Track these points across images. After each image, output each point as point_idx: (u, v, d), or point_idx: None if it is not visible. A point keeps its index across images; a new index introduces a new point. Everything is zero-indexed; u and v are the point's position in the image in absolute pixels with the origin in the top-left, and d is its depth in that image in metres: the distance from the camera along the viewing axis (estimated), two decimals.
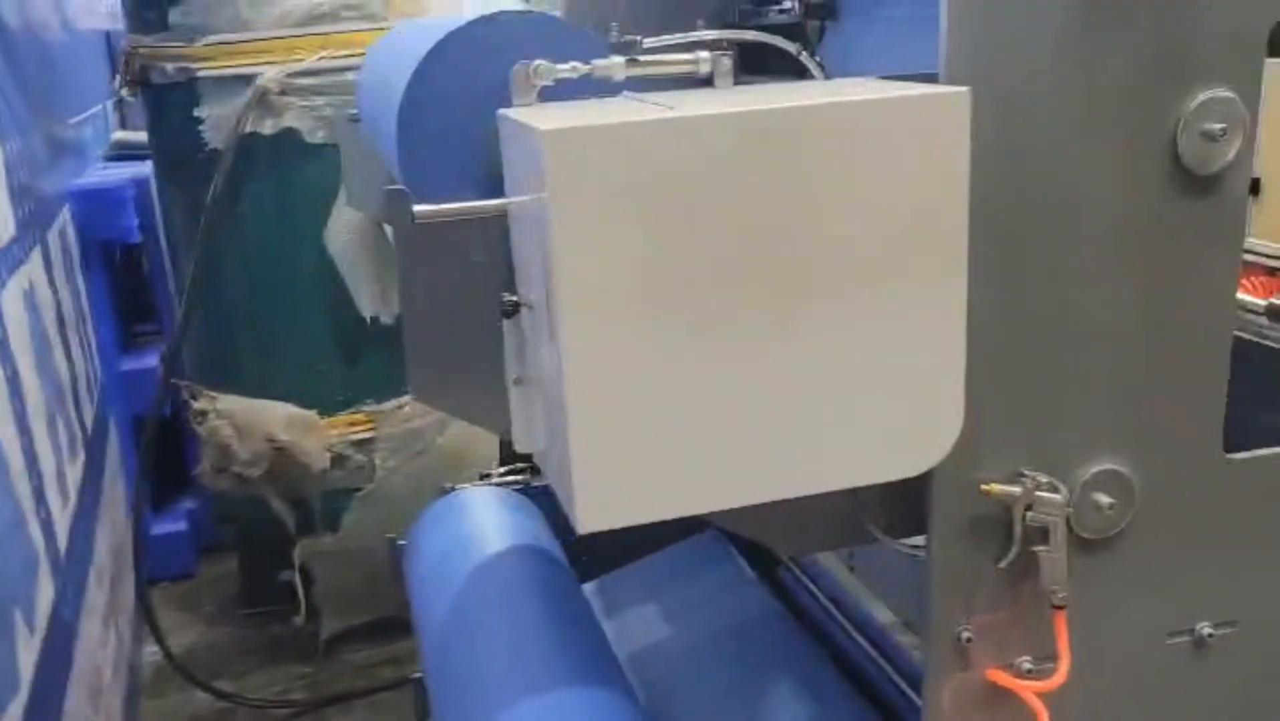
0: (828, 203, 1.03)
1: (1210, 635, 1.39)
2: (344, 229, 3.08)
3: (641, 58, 1.16)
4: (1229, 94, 1.20)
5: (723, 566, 2.55)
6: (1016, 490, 1.25)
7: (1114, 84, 1.17)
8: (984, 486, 1.25)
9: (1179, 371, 1.30)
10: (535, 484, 2.70)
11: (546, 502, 2.57)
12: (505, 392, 1.20)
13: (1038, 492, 1.24)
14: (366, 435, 3.26)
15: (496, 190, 1.40)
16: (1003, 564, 1.27)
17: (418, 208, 1.13)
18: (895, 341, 1.09)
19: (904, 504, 1.34)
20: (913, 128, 1.03)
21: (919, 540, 1.37)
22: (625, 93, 1.16)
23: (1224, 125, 1.20)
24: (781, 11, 2.65)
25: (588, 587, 2.50)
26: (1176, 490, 1.33)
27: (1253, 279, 3.15)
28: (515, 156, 1.08)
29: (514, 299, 1.09)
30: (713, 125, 0.98)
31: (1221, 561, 1.38)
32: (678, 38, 1.22)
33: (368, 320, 3.17)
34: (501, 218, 1.16)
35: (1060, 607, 1.27)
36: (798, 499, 1.15)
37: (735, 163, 1.00)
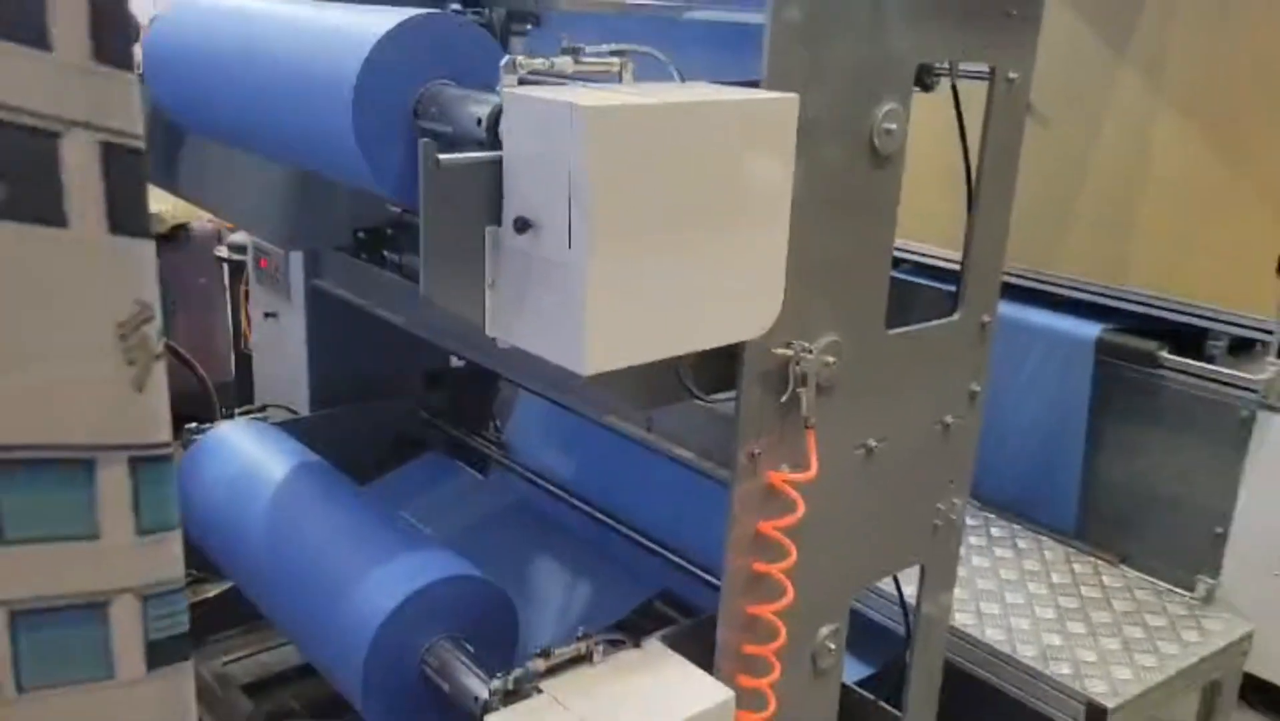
0: (725, 162, 1.65)
1: (874, 446, 2.21)
2: None
3: (583, 59, 1.71)
4: (897, 105, 1.99)
5: (456, 476, 3.04)
6: (790, 352, 1.95)
7: (843, 96, 1.92)
8: (773, 350, 1.94)
9: (864, 276, 2.08)
10: (275, 421, 3.00)
11: (296, 433, 2.89)
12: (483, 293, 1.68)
13: (802, 354, 1.96)
14: None
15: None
16: (782, 400, 1.97)
17: (442, 156, 1.57)
18: (753, 254, 1.73)
19: (709, 370, 2.00)
20: (769, 118, 1.69)
21: (717, 396, 2.04)
22: (581, 82, 1.69)
23: (895, 125, 1.99)
24: (476, 13, 3.22)
25: None
26: (862, 353, 2.11)
27: None
28: (529, 122, 1.56)
29: (525, 217, 1.58)
30: (685, 110, 1.56)
31: (881, 398, 2.20)
32: (603, 48, 1.77)
33: None
34: (492, 164, 1.63)
35: (811, 428, 2.01)
36: (643, 367, 1.76)
37: (684, 135, 1.58)
